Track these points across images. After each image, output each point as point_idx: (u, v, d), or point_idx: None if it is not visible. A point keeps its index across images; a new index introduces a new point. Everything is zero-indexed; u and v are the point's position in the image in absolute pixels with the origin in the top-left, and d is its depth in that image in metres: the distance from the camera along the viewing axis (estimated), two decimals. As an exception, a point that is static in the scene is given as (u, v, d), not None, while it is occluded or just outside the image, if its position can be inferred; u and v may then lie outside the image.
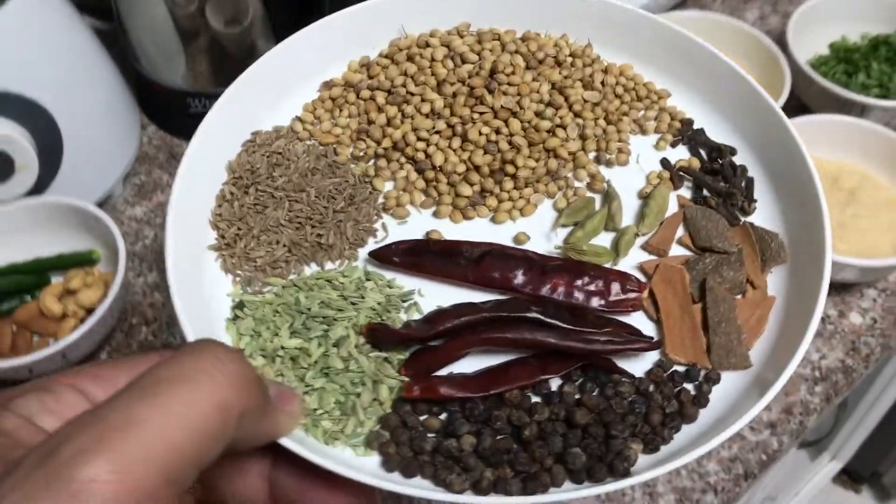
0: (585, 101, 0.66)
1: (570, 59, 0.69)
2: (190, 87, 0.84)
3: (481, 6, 0.71)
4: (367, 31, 0.70)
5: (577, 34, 0.71)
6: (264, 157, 0.64)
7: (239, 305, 0.57)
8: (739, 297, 0.57)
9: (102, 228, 0.83)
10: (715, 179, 0.63)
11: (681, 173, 0.63)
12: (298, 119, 0.67)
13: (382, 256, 0.58)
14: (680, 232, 0.60)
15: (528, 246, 0.60)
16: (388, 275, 0.58)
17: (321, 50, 0.68)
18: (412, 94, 0.66)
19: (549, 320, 0.53)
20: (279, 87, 0.67)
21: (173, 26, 0.79)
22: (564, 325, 0.53)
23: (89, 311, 0.83)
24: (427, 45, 0.69)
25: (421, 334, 0.53)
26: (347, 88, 0.68)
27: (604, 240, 0.60)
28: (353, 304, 0.56)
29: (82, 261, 0.85)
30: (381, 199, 0.63)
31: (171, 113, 0.87)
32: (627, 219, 0.61)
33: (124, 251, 0.82)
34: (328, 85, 0.69)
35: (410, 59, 0.68)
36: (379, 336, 0.54)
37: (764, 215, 0.61)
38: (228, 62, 0.84)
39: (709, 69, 0.66)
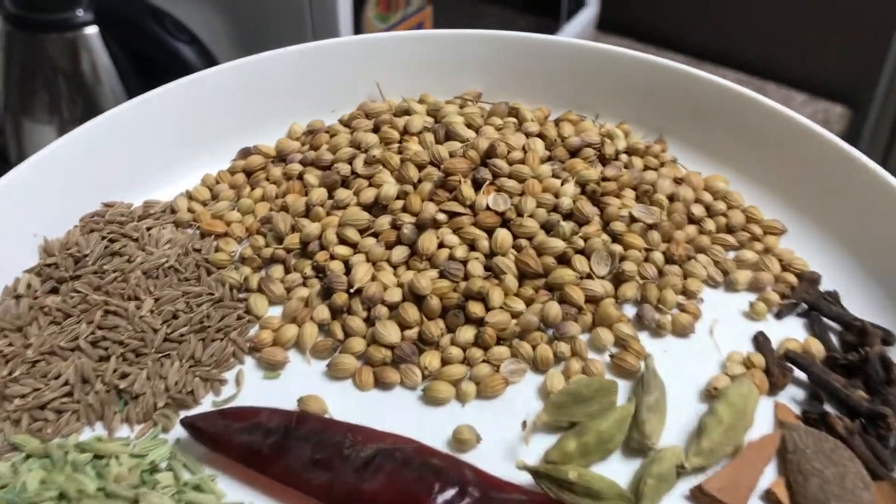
0: (634, 220, 0.39)
1: (623, 156, 0.43)
2: None
3: (508, 74, 0.47)
4: (335, 87, 0.47)
5: (648, 124, 0.45)
6: (103, 241, 0.40)
7: (-51, 475, 0.32)
8: None
9: None
10: (850, 384, 0.34)
11: (787, 363, 0.35)
12: (187, 194, 0.43)
13: (207, 431, 0.32)
14: (771, 474, 0.31)
15: (471, 456, 0.32)
16: (210, 469, 0.32)
17: (252, 103, 0.46)
18: (356, 176, 0.41)
19: None
20: (179, 151, 0.44)
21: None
22: None
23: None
24: (406, 112, 0.45)
25: None
26: (276, 160, 0.45)
27: (617, 467, 0.32)
28: (113, 511, 0.30)
29: None
30: (252, 331, 0.37)
31: None
32: (671, 434, 0.33)
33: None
34: (246, 153, 0.45)
35: (377, 128, 0.44)
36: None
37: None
38: None
39: (860, 192, 0.38)
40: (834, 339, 0.36)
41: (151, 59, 0.69)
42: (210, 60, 0.67)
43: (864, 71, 1.03)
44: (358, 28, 0.71)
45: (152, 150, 0.44)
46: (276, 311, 0.38)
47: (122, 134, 0.43)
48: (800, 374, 0.35)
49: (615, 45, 0.45)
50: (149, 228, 0.41)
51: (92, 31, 0.65)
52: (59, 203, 0.41)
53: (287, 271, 0.39)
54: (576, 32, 1.01)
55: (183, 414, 0.34)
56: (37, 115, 0.68)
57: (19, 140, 0.70)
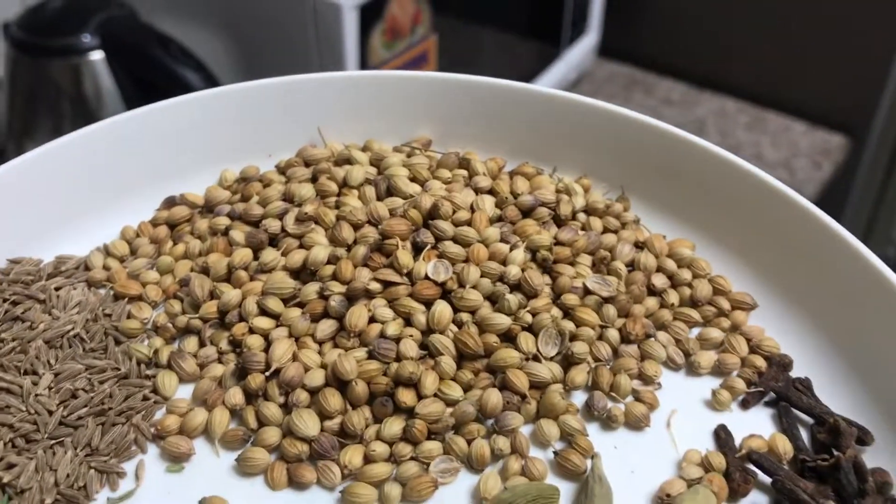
0: (588, 293, 0.35)
1: (582, 216, 0.39)
2: None
3: (461, 120, 0.43)
4: (271, 130, 0.43)
5: (610, 179, 0.42)
6: (4, 304, 0.36)
7: None
8: None
9: None
10: (821, 492, 0.30)
11: (748, 466, 0.31)
12: (104, 248, 0.40)
13: (92, 538, 0.28)
14: None
15: (397, 568, 0.29)
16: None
17: (179, 145, 0.42)
18: (286, 234, 0.37)
19: None
20: (99, 198, 0.40)
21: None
22: None
23: None
24: (348, 161, 0.41)
25: None
26: (204, 211, 0.41)
27: (555, 589, 0.28)
28: None
29: None
30: (158, 414, 0.33)
31: None
32: (618, 548, 0.29)
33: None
34: (171, 202, 0.41)
35: (315, 178, 0.41)
36: None
37: None
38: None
39: (839, 268, 0.35)
40: (804, 434, 0.33)
41: (157, 85, 0.67)
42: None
43: (862, 101, 1.00)
44: (364, 56, 0.69)
45: (68, 197, 0.40)
46: (187, 391, 0.34)
47: (35, 180, 0.39)
48: (765, 477, 0.31)
49: (615, 71, 0.42)
50: (58, 288, 0.38)
51: (97, 56, 0.65)
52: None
53: (202, 344, 0.35)
54: (577, 58, 0.98)
55: (73, 513, 0.30)
56: (40, 138, 0.67)
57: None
